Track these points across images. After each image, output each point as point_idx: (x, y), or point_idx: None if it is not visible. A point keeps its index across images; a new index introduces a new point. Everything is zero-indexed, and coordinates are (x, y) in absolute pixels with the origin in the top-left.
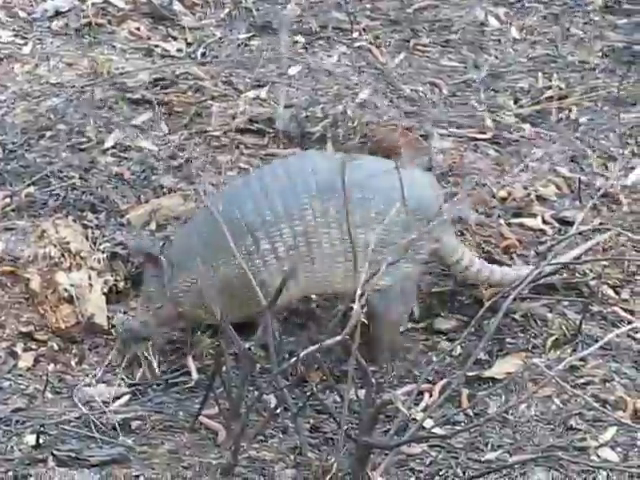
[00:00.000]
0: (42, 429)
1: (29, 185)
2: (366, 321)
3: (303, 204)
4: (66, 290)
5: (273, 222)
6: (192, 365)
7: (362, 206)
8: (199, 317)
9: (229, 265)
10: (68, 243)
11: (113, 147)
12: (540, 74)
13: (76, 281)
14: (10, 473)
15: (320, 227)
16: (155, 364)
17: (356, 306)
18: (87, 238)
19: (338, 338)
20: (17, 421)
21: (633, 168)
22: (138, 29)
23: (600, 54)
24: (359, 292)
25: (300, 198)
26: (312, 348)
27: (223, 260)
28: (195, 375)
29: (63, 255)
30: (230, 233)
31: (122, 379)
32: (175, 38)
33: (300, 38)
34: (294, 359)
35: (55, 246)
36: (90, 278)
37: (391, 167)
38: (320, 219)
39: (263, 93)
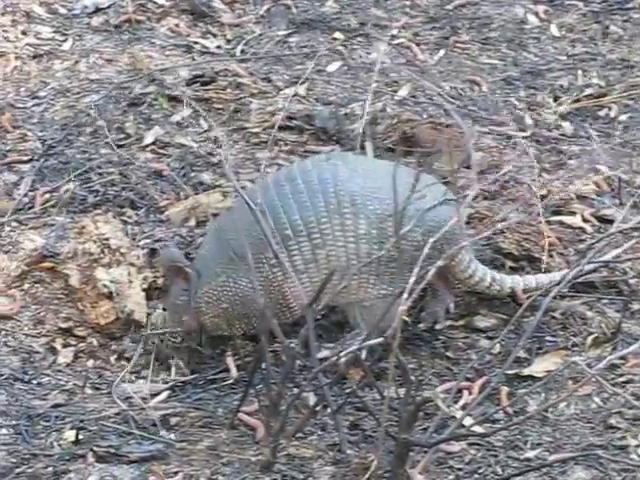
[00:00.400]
0: (81, 425)
1: (69, 181)
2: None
3: (322, 217)
4: (105, 286)
5: (292, 236)
6: (231, 362)
7: (380, 221)
8: (220, 328)
9: (250, 277)
10: (108, 239)
11: (152, 143)
12: (580, 72)
13: (115, 277)
14: (50, 469)
15: (338, 240)
16: (184, 364)
17: (400, 308)
18: (126, 234)
19: (379, 338)
20: (57, 417)
21: None
22: (177, 26)
23: None
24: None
25: (319, 212)
26: (353, 346)
27: (244, 272)
28: (234, 372)
29: (102, 251)
30: (251, 246)
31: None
32: (214, 35)
33: (339, 35)
34: (334, 357)
35: (95, 242)
36: (129, 274)
37: (412, 178)
38: (338, 232)
39: (302, 90)
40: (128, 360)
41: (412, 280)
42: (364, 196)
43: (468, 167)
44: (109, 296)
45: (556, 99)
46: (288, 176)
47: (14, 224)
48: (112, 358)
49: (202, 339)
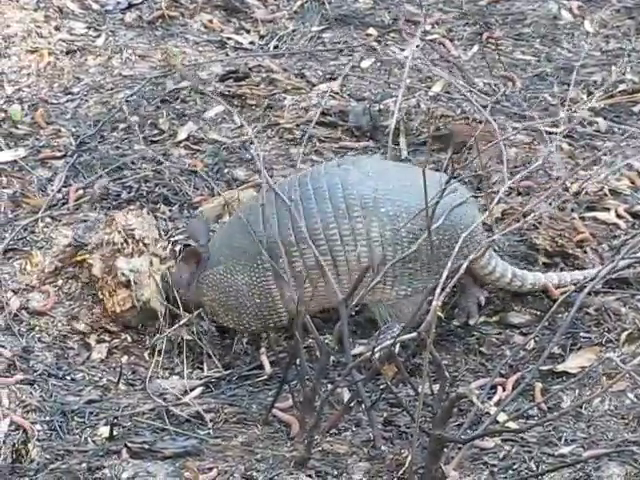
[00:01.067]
0: (116, 421)
1: (102, 177)
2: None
3: (330, 223)
4: (124, 275)
5: (294, 242)
6: (265, 358)
7: (392, 223)
8: (215, 314)
9: (244, 274)
10: (133, 230)
11: (186, 139)
12: (613, 68)
13: (135, 266)
14: (84, 465)
15: (347, 244)
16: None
17: (434, 302)
18: (159, 230)
19: (413, 334)
20: (91, 413)
21: None
22: (211, 21)
23: None
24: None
25: (326, 218)
26: (387, 342)
27: (240, 267)
28: (268, 368)
29: (126, 241)
30: (251, 245)
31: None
32: (248, 31)
33: (373, 31)
34: (369, 352)
35: (119, 232)
36: (152, 264)
37: (424, 179)
38: (347, 237)
39: (336, 86)
40: (162, 355)
41: (443, 276)
42: (376, 199)
43: (501, 163)
44: (127, 285)
45: (590, 95)
46: (301, 181)
47: (48, 220)
48: (146, 354)
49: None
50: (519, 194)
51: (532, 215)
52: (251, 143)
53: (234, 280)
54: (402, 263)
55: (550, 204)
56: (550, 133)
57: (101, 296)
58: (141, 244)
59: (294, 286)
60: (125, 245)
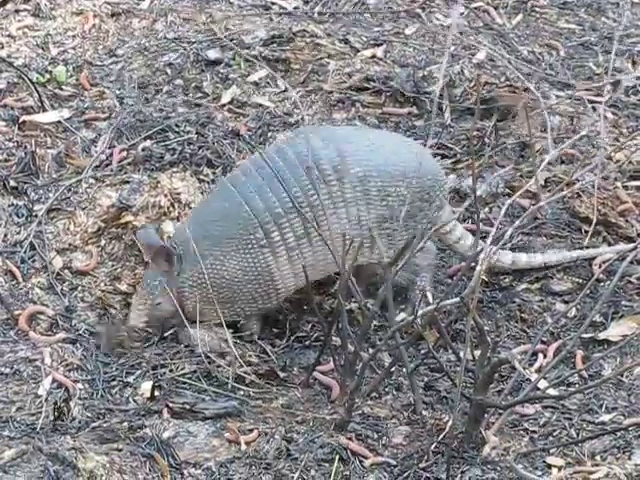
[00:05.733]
0: (157, 381)
1: (146, 139)
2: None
3: (308, 189)
4: (170, 237)
5: (282, 213)
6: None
7: (362, 184)
8: (202, 313)
9: (239, 259)
10: (179, 194)
11: (230, 103)
12: None
13: None
14: (125, 424)
15: (328, 209)
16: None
17: (478, 267)
18: (202, 193)
19: (456, 299)
20: (132, 373)
21: None
22: None
23: None
24: (482, 256)
25: (304, 185)
26: (429, 307)
27: (232, 253)
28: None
29: (172, 205)
30: (240, 227)
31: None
32: None
33: None
34: (411, 317)
35: (166, 196)
36: None
37: (393, 141)
38: (327, 201)
39: (379, 52)
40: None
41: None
42: (344, 161)
43: (545, 130)
44: None
45: (634, 64)
46: (268, 156)
47: (91, 181)
48: None
49: (169, 325)
50: (562, 162)
51: (578, 184)
52: (296, 107)
53: (226, 269)
54: (378, 224)
55: (594, 173)
56: (594, 102)
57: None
58: (187, 208)
59: (291, 258)
60: (172, 209)
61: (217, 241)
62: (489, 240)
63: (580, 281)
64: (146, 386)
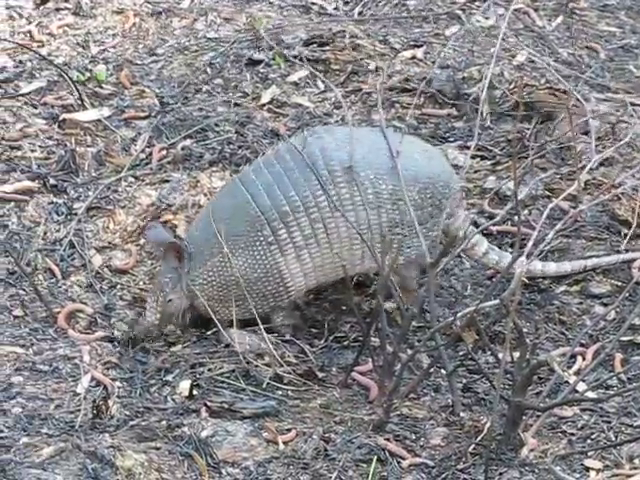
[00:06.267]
0: (196, 380)
1: (185, 138)
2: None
3: (317, 190)
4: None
5: (289, 212)
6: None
7: (374, 186)
8: (213, 310)
9: (247, 256)
10: None
11: (269, 103)
12: None
13: None
14: (163, 422)
15: (336, 211)
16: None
17: (518, 270)
18: None
19: (496, 301)
20: (171, 371)
21: None
22: None
23: None
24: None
25: (313, 185)
26: (469, 309)
27: (240, 250)
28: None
29: None
30: (247, 224)
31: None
32: None
33: None
34: (451, 319)
35: (205, 195)
36: None
37: (409, 145)
38: (335, 203)
39: (419, 53)
40: None
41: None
42: (355, 163)
43: (586, 133)
44: None
45: None
46: (278, 156)
47: (131, 179)
48: None
49: (186, 321)
50: (601, 165)
51: (621, 188)
52: (336, 107)
53: (234, 266)
54: (388, 229)
55: (634, 176)
56: (635, 105)
57: None
58: None
59: (300, 257)
60: None
61: (225, 238)
62: (526, 250)
63: (619, 284)
64: (185, 385)
